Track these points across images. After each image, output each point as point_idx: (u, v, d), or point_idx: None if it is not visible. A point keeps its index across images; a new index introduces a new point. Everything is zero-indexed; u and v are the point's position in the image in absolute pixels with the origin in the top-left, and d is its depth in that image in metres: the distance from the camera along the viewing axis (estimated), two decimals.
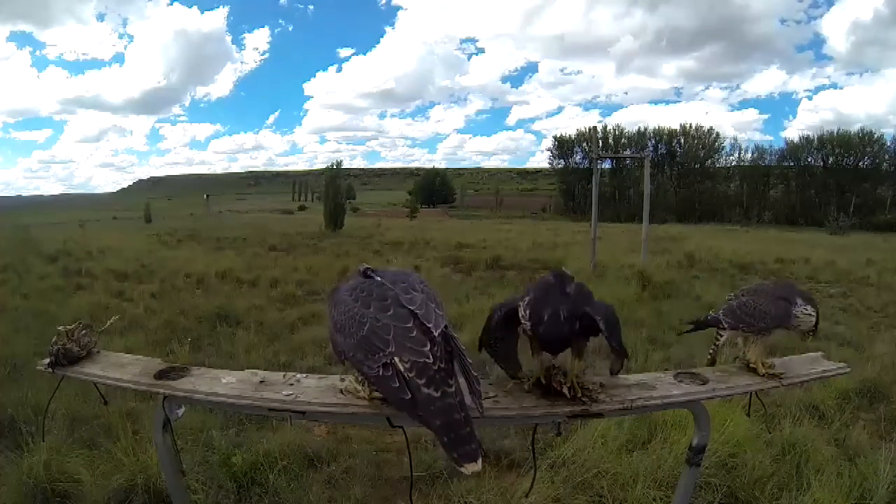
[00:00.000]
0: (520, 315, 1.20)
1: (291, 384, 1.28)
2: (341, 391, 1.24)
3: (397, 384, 1.01)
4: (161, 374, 1.35)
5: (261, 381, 1.29)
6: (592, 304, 1.20)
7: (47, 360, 1.37)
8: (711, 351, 1.62)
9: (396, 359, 1.03)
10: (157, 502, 2.22)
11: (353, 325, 1.09)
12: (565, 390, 1.22)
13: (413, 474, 2.46)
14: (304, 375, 1.33)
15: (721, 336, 1.56)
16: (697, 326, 1.61)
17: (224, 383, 1.29)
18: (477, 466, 0.96)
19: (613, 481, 2.37)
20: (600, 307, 1.20)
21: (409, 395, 1.00)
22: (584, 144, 59.81)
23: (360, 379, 1.21)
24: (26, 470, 2.30)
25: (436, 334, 1.06)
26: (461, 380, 1.08)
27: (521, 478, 2.52)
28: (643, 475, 2.35)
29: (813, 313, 1.37)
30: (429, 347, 1.04)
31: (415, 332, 1.06)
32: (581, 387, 1.24)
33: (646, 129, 62.53)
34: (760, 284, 1.50)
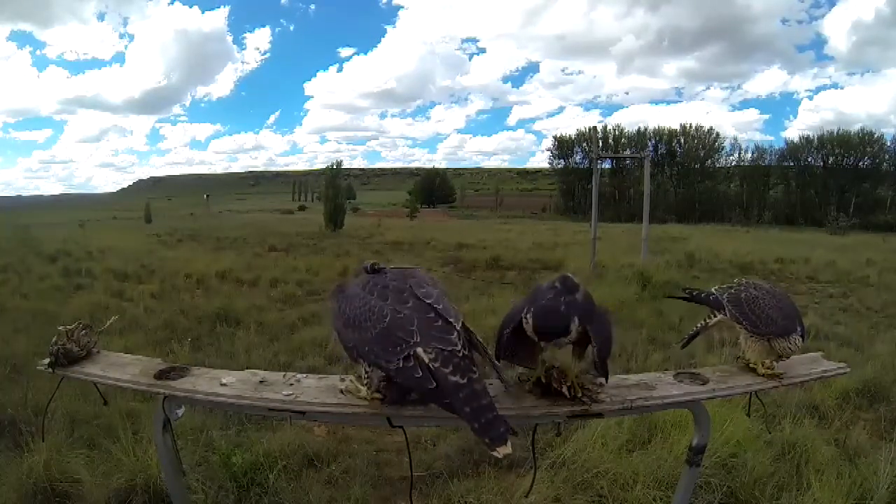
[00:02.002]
0: (524, 325, 1.18)
1: (291, 384, 1.28)
2: (341, 391, 1.24)
3: (420, 374, 1.02)
4: (161, 374, 1.35)
5: (261, 381, 1.29)
6: (594, 319, 1.17)
7: (47, 360, 1.37)
8: (697, 326, 1.59)
9: (419, 349, 1.03)
10: (157, 502, 2.22)
11: (372, 318, 1.08)
12: (565, 390, 1.22)
13: (413, 474, 2.46)
14: (304, 375, 1.33)
15: (713, 318, 1.54)
16: (693, 299, 1.58)
17: (224, 383, 1.29)
18: (508, 449, 0.98)
19: (613, 481, 2.37)
20: (600, 326, 1.18)
21: (434, 384, 1.01)
22: (584, 144, 59.79)
23: (361, 379, 1.21)
24: (26, 470, 2.30)
25: (458, 327, 1.07)
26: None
27: (521, 478, 2.52)
28: (643, 475, 2.35)
29: (799, 345, 1.39)
30: (454, 335, 1.05)
31: (439, 322, 1.06)
32: (581, 387, 1.23)
33: (646, 129, 62.58)
34: (774, 288, 1.47)
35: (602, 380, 1.31)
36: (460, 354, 1.03)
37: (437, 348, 1.03)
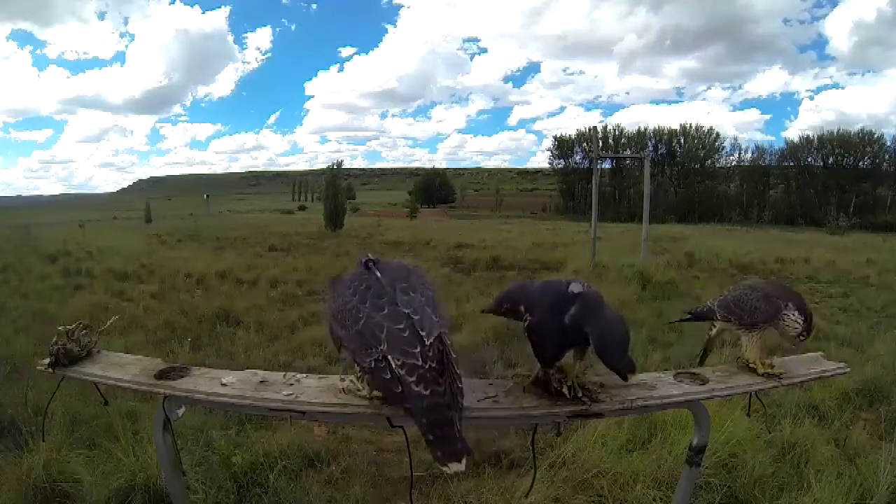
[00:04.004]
0: (521, 318, 1.21)
1: (291, 384, 1.28)
2: (341, 391, 1.23)
3: (389, 376, 1.04)
4: (161, 374, 1.35)
5: (261, 381, 1.29)
6: (597, 319, 1.14)
7: (47, 360, 1.37)
8: (704, 340, 1.63)
9: (389, 357, 1.05)
10: (157, 502, 2.22)
11: (350, 317, 1.11)
12: (565, 390, 1.22)
13: (413, 474, 2.46)
14: (304, 375, 1.32)
15: (713, 328, 1.57)
16: (694, 317, 1.60)
17: (224, 383, 1.29)
18: (460, 466, 0.97)
19: (613, 481, 2.37)
20: (601, 327, 1.14)
21: (400, 389, 1.02)
22: (585, 144, 59.86)
23: (360, 377, 1.21)
24: (26, 470, 2.30)
25: (427, 343, 1.06)
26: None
27: (521, 478, 2.51)
28: (643, 475, 2.35)
29: (800, 321, 1.36)
30: (419, 349, 1.05)
31: (407, 333, 1.06)
32: (581, 387, 1.24)
33: (646, 129, 62.72)
34: (757, 282, 1.50)
35: (602, 380, 1.32)
36: (426, 366, 1.03)
37: (403, 360, 1.04)
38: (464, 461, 0.97)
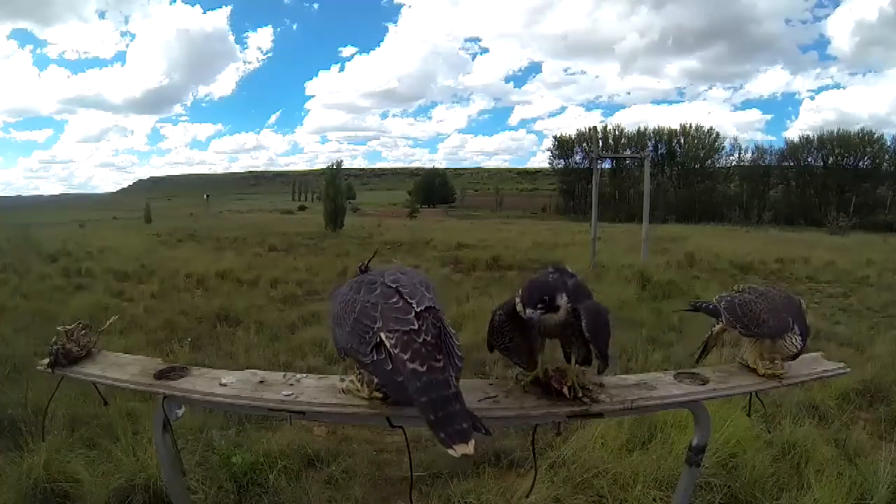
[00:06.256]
0: (517, 307, 1.20)
1: (291, 384, 1.28)
2: (341, 391, 1.24)
3: (390, 366, 1.00)
4: (161, 374, 1.35)
5: (260, 381, 1.29)
6: (586, 302, 1.20)
7: (47, 360, 1.37)
8: (705, 337, 1.63)
9: (383, 335, 1.02)
10: (157, 502, 2.22)
11: (347, 311, 1.11)
12: (565, 390, 1.22)
13: (413, 474, 2.46)
14: (304, 375, 1.33)
15: (715, 326, 1.57)
16: (697, 309, 1.61)
17: (224, 383, 1.29)
18: (467, 448, 0.89)
19: (613, 481, 2.37)
20: (592, 308, 1.19)
21: (401, 378, 0.98)
22: (585, 144, 59.86)
23: (360, 377, 1.21)
24: (26, 470, 2.30)
25: (418, 309, 1.05)
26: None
27: (521, 478, 2.52)
28: (643, 475, 2.35)
29: (799, 345, 1.37)
30: (413, 315, 1.04)
31: (400, 304, 1.06)
32: (581, 387, 1.24)
33: (646, 129, 62.64)
34: (770, 290, 1.48)
35: (602, 380, 1.31)
36: (420, 339, 1.00)
37: (397, 331, 1.01)
38: (471, 443, 0.89)
